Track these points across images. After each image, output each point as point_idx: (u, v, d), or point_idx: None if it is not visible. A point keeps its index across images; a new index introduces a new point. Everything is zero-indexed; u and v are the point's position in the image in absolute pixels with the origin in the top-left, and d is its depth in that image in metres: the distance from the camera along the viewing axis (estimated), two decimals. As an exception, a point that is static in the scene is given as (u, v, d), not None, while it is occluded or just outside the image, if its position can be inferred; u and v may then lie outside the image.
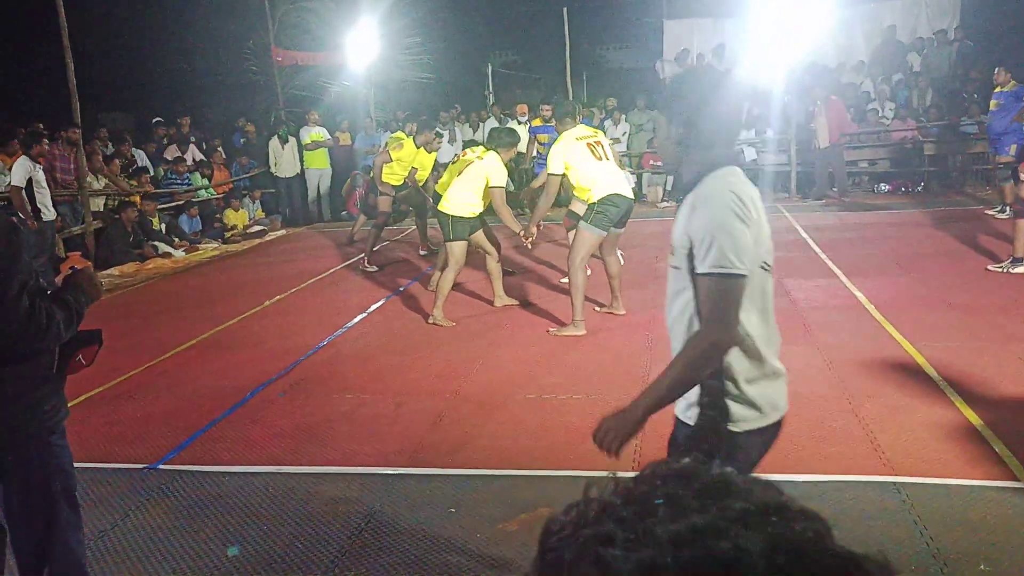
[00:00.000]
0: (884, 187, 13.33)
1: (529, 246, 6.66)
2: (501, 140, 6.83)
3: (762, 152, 13.79)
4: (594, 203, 5.98)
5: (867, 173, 13.91)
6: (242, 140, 14.53)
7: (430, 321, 6.63)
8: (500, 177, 6.62)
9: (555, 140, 6.31)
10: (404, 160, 9.16)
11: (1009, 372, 4.75)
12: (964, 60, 14.73)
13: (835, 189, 12.73)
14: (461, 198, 6.56)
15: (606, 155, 6.08)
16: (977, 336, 5.49)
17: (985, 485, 3.45)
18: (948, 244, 8.64)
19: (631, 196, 6.12)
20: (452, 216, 6.54)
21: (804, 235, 9.61)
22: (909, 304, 6.35)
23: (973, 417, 4.12)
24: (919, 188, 13.06)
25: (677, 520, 0.56)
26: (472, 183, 6.58)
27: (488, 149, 6.78)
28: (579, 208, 7.19)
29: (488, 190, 6.57)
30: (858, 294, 6.71)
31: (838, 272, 7.55)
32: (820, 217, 11.00)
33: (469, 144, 14.23)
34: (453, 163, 7.23)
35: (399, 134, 9.68)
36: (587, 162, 5.99)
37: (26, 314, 2.30)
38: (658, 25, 17.43)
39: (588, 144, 6.06)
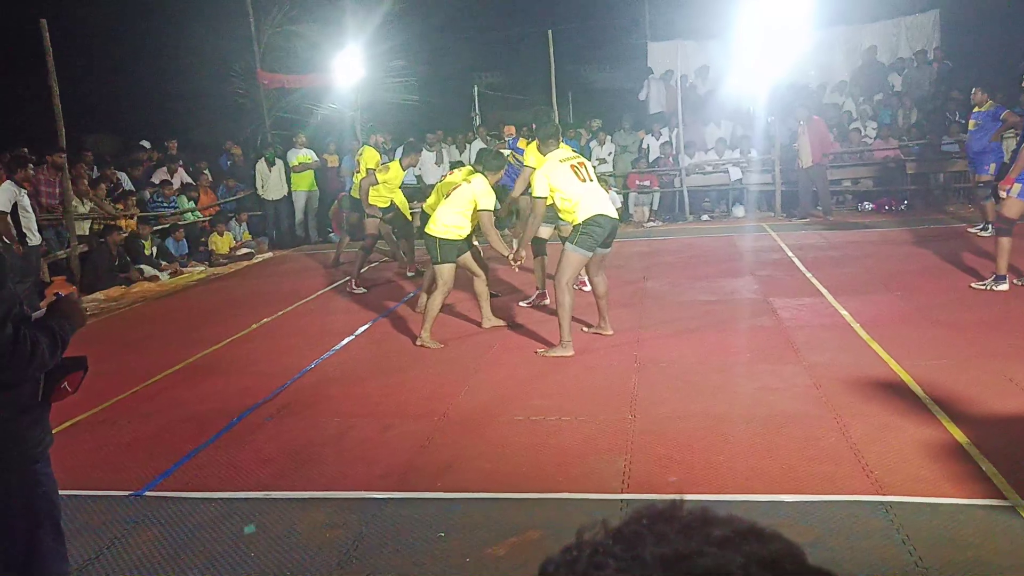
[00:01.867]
0: (868, 206, 13.45)
1: (517, 269, 6.67)
2: (489, 163, 6.85)
3: (747, 171, 13.90)
4: (579, 224, 6.00)
5: (850, 192, 14.05)
6: (229, 163, 14.52)
7: (418, 343, 6.62)
8: (488, 200, 6.63)
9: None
10: (390, 183, 9.19)
11: (994, 389, 4.78)
12: (944, 80, 14.94)
13: (819, 208, 12.83)
14: (448, 220, 6.56)
15: (590, 176, 6.12)
16: (962, 353, 5.53)
17: (972, 504, 3.46)
18: (931, 262, 8.71)
19: (615, 216, 6.15)
20: (440, 239, 6.54)
21: (789, 254, 9.67)
22: (894, 322, 6.39)
23: (959, 435, 4.14)
24: (902, 207, 13.18)
25: (663, 546, 0.60)
26: (459, 206, 6.59)
27: (475, 171, 6.80)
28: (544, 232, 7.45)
29: (475, 213, 6.59)
30: (843, 312, 6.75)
31: (823, 291, 7.60)
32: (805, 236, 11.08)
33: (456, 165, 14.31)
34: (440, 184, 7.24)
35: (368, 150, 9.65)
36: (571, 184, 6.01)
37: (10, 342, 2.28)
38: (642, 46, 17.58)
39: (571, 166, 6.10)
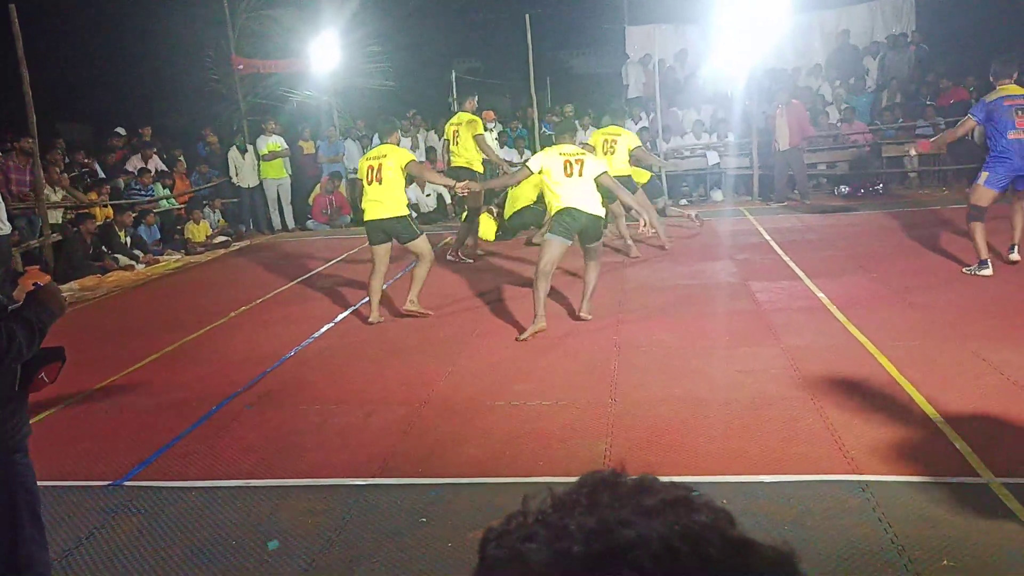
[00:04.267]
0: (844, 189, 13.54)
1: (461, 193, 7.37)
2: (384, 129, 7.45)
3: (724, 156, 13.95)
4: (554, 213, 6.27)
5: (826, 176, 14.14)
6: (206, 150, 14.36)
7: (405, 308, 7.03)
8: (407, 154, 7.11)
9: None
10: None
11: (968, 370, 4.86)
12: (921, 64, 15.05)
13: (796, 192, 12.91)
14: (400, 197, 6.95)
15: (581, 173, 6.25)
16: (937, 335, 5.60)
17: (947, 481, 3.52)
18: (907, 244, 8.81)
19: (592, 212, 6.22)
20: (404, 216, 6.95)
21: (767, 237, 9.74)
22: (870, 304, 6.46)
23: (934, 415, 4.21)
24: (878, 189, 13.28)
25: (592, 516, 0.63)
26: (397, 181, 6.91)
27: (386, 146, 7.13)
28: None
29: (407, 178, 7.08)
30: (821, 295, 6.81)
31: (801, 274, 7.66)
32: (782, 219, 11.15)
33: (430, 151, 14.25)
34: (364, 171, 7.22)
35: (470, 115, 9.56)
36: (559, 175, 6.20)
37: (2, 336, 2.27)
38: (620, 30, 17.56)
39: (567, 161, 6.28)
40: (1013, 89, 7.10)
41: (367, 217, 6.99)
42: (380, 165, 6.87)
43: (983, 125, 7.17)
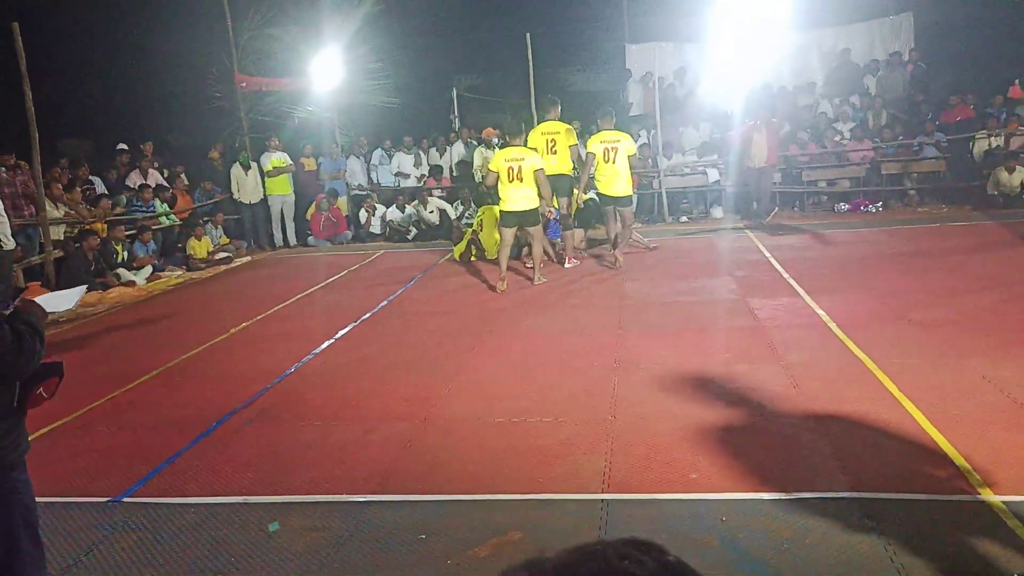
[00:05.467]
0: (844, 206, 13.57)
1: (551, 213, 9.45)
2: (512, 131, 8.82)
3: (724, 173, 13.97)
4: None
5: (826, 193, 14.16)
6: (210, 166, 14.41)
7: (537, 282, 8.74)
8: (540, 161, 8.65)
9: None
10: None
11: (967, 387, 4.85)
12: (918, 81, 15.13)
13: (756, 206, 12.84)
14: (535, 194, 8.57)
15: (519, 178, 8.28)
16: (936, 352, 5.60)
17: (948, 500, 3.52)
18: (906, 261, 8.82)
19: (517, 209, 8.43)
20: (536, 208, 8.62)
21: (767, 255, 9.75)
22: (870, 321, 6.46)
23: (934, 433, 4.20)
24: (878, 207, 13.31)
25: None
26: (531, 180, 8.48)
27: (521, 149, 8.60)
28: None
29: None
30: (820, 312, 6.82)
31: (800, 291, 7.67)
32: (782, 237, 11.17)
33: (435, 168, 14.32)
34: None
35: (561, 124, 9.74)
36: (503, 177, 8.38)
37: (13, 337, 2.32)
38: (620, 49, 17.65)
39: (509, 167, 8.34)
40: None
41: (507, 208, 8.52)
42: (520, 167, 8.33)
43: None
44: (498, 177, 8.52)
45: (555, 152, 9.48)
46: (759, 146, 12.44)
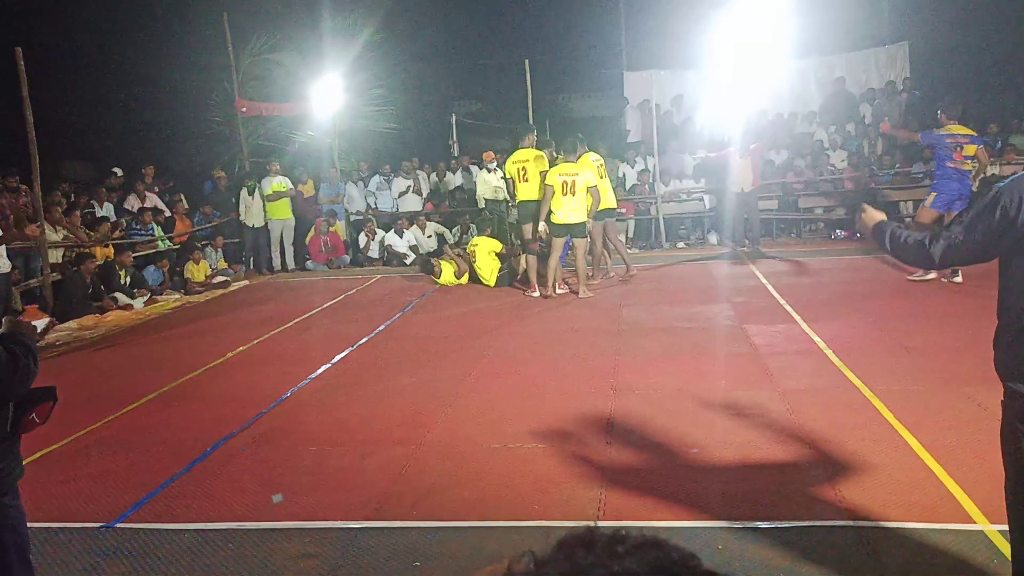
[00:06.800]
0: (840, 233, 13.62)
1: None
2: (568, 147, 9.38)
3: (721, 200, 14.00)
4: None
5: (823, 220, 14.22)
6: (212, 189, 14.45)
7: (582, 295, 9.27)
8: (593, 178, 9.38)
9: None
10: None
11: (963, 415, 4.85)
12: (913, 110, 15.24)
13: (747, 236, 12.67)
14: (584, 208, 9.28)
15: (572, 192, 9.01)
16: (932, 378, 5.61)
17: (943, 528, 3.51)
18: (902, 288, 8.84)
19: (568, 221, 9.08)
20: (585, 221, 9.33)
21: (764, 281, 9.78)
22: (866, 348, 6.47)
23: (930, 460, 4.19)
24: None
25: (569, 567, 0.72)
26: (584, 195, 9.17)
27: (576, 165, 9.34)
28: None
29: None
30: (816, 339, 6.83)
31: (797, 317, 7.68)
32: (778, 263, 11.20)
33: (433, 194, 14.35)
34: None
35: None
36: (557, 192, 9.05)
37: (7, 357, 2.33)
38: (619, 75, 17.79)
39: (563, 182, 9.05)
40: None
41: (560, 221, 9.11)
42: (574, 182, 9.00)
43: None
44: (553, 192, 9.08)
45: (526, 180, 9.86)
46: (743, 171, 12.40)
